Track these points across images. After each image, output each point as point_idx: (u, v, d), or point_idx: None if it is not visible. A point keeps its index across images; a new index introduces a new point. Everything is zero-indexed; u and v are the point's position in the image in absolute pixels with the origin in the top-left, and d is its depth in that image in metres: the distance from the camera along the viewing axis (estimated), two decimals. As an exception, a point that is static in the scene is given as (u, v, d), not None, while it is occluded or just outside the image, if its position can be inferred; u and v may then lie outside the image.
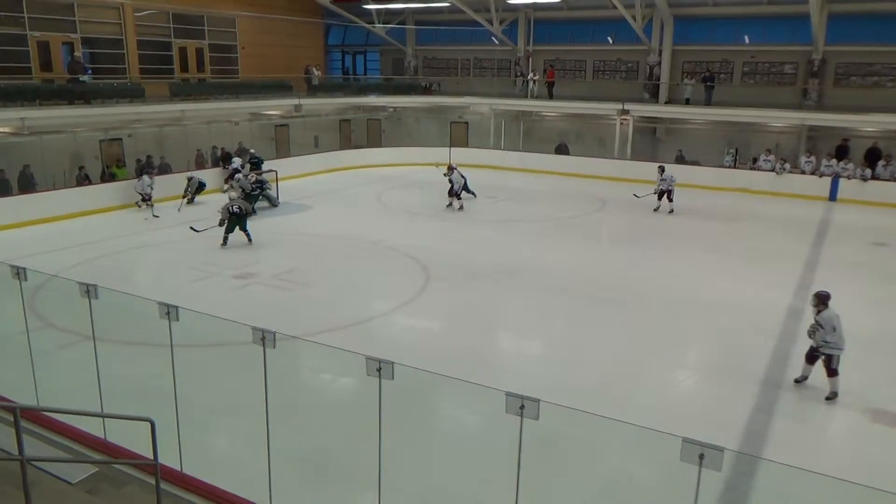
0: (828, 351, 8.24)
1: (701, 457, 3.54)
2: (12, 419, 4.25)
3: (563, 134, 28.13)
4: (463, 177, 19.63)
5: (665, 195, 18.94)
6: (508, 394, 4.04)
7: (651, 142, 27.36)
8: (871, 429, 7.81)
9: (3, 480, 4.80)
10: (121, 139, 21.13)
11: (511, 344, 10.66)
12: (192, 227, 15.31)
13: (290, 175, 21.68)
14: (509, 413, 4.05)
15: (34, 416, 6.51)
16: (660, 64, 27.40)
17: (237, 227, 14.83)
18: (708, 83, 25.20)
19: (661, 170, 19.31)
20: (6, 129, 18.43)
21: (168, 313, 5.59)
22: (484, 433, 7.49)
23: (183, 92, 23.97)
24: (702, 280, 13.18)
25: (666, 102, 26.89)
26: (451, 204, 19.18)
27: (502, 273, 13.31)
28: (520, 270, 13.50)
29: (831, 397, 8.22)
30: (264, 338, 4.98)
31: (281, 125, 26.83)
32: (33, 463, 4.69)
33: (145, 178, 18.29)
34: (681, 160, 25.00)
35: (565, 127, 28.62)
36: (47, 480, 5.00)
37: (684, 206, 19.86)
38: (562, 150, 27.33)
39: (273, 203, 19.13)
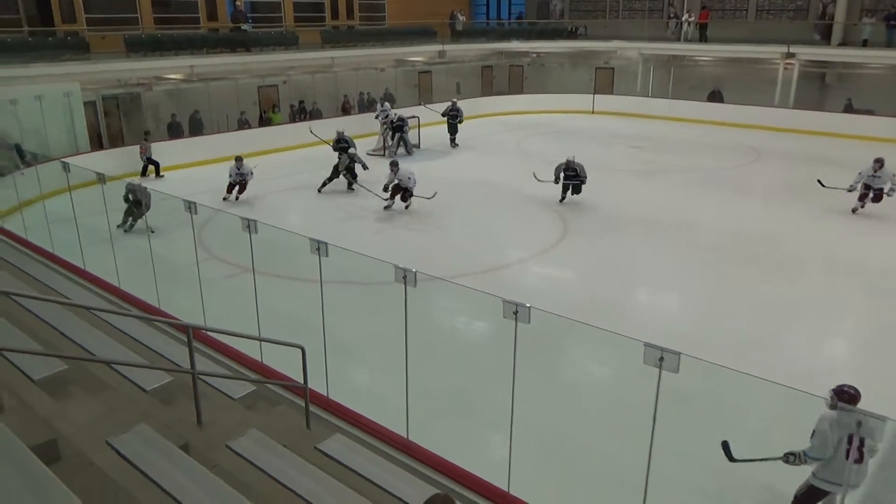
0: None
1: (859, 424, 3.32)
2: (186, 338, 4.74)
3: (718, 80, 26.26)
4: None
5: (871, 195, 13.47)
6: (647, 344, 3.96)
7: (818, 88, 24.90)
8: None
9: (178, 390, 5.40)
10: (276, 85, 22.31)
11: (650, 298, 10.35)
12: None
13: (431, 122, 21.97)
14: (647, 364, 3.97)
15: (203, 336, 7.23)
16: (834, 1, 24.67)
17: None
18: (891, 22, 22.40)
19: (880, 164, 13.38)
20: (178, 76, 20.01)
21: (318, 249, 5.93)
22: (620, 384, 7.42)
23: (333, 39, 24.77)
24: (862, 240, 12.07)
25: (839, 44, 24.24)
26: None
27: (644, 225, 12.88)
28: (663, 223, 12.98)
29: None
30: (405, 276, 5.17)
31: (424, 72, 27.12)
32: (202, 377, 5.23)
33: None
34: (849, 109, 22.69)
35: (720, 72, 26.66)
36: (213, 394, 5.56)
37: (850, 157, 18.08)
38: (715, 97, 25.60)
39: (409, 151, 19.49)
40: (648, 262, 11.31)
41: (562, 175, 14.00)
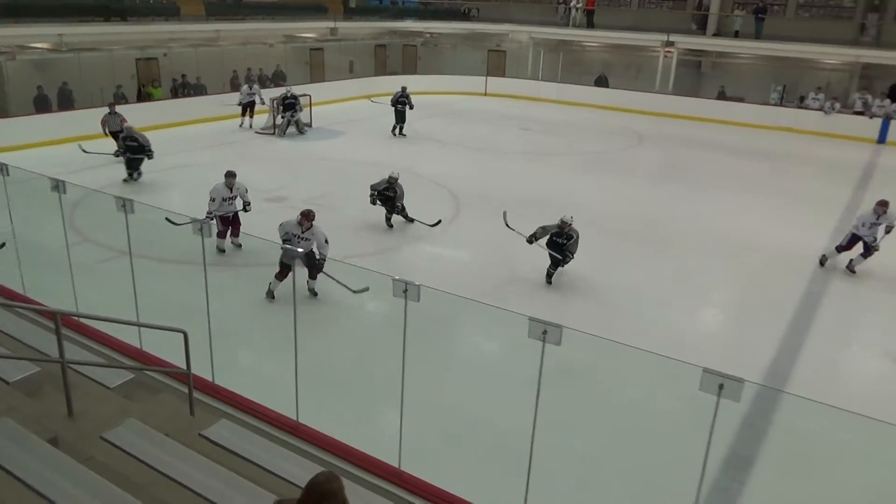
0: None
1: (720, 387, 3.56)
2: (54, 325, 4.43)
3: (604, 65, 27.29)
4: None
5: (864, 249, 10.39)
6: (531, 318, 4.08)
7: (695, 76, 26.41)
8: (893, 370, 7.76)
9: (46, 381, 5.05)
10: (156, 58, 21.10)
11: (537, 276, 10.66)
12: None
13: (323, 100, 21.51)
14: (531, 338, 4.09)
15: (74, 323, 6.78)
16: (710, -7, 26.18)
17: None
18: (759, 15, 24.05)
19: (884, 208, 10.28)
20: (44, 46, 18.51)
21: (202, 230, 5.69)
22: (506, 357, 7.62)
23: (218, 11, 23.68)
24: (737, 220, 12.94)
25: (714, 35, 25.78)
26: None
27: (533, 205, 13.20)
28: (550, 203, 13.34)
29: None
30: (294, 257, 5.06)
31: (316, 49, 26.48)
32: (73, 366, 4.91)
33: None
34: (722, 96, 24.23)
35: (606, 58, 27.72)
36: (86, 384, 5.23)
37: (723, 141, 19.36)
38: (601, 82, 26.59)
39: (300, 130, 19.01)
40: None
41: (546, 239, 9.76)
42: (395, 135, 19.22)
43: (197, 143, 17.30)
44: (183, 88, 20.80)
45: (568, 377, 6.36)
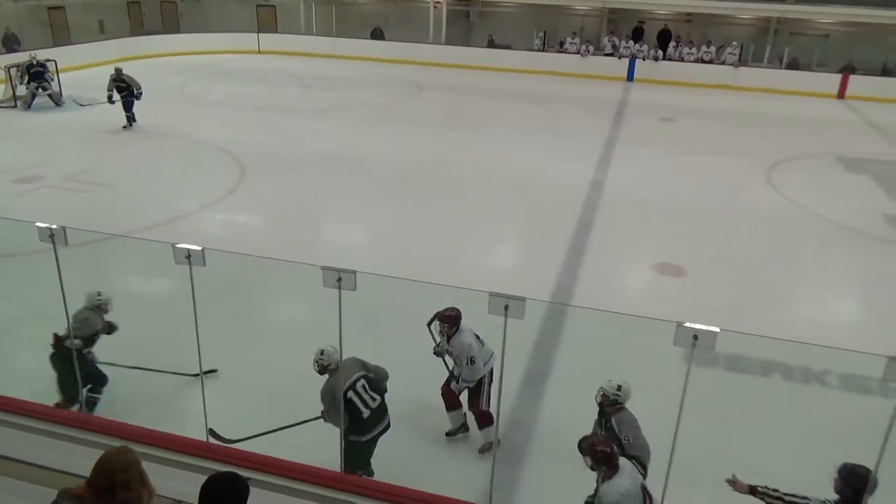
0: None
1: (506, 308, 3.82)
2: None
3: (379, 18, 27.27)
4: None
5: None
6: (324, 268, 4.04)
7: (465, 26, 27.35)
8: (658, 280, 8.88)
9: None
10: None
11: (334, 232, 10.62)
12: None
13: (72, 66, 19.17)
14: (327, 286, 4.07)
15: None
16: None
17: None
18: (516, -36, 25.34)
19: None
20: None
21: (-70, 217, 4.86)
22: (306, 309, 7.55)
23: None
24: (514, 159, 13.81)
25: (476, -15, 26.82)
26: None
27: (321, 163, 13.04)
28: (339, 159, 13.28)
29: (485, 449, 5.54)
30: (53, 235, 4.51)
31: (55, 7, 23.41)
32: None
33: None
34: (492, 44, 25.41)
35: (380, 10, 27.71)
36: None
37: (496, 87, 20.41)
38: (377, 34, 26.60)
39: (56, 101, 16.84)
40: (327, 197, 11.53)
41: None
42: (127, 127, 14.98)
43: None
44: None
45: (371, 322, 6.49)
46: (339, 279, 4.04)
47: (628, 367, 5.41)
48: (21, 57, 17.18)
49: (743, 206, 11.56)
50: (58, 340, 5.39)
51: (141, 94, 14.73)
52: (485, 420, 5.51)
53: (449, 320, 5.38)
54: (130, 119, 14.86)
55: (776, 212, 11.39)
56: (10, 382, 5.49)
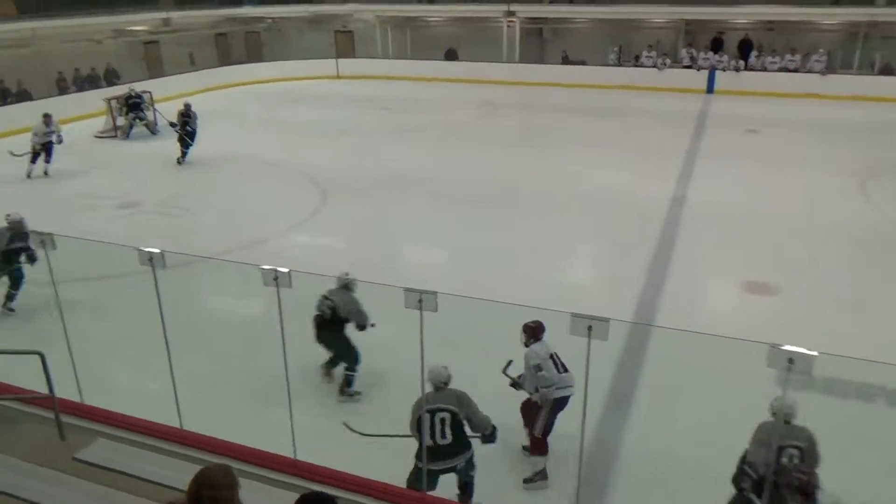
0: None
1: (589, 329, 3.78)
2: None
3: (452, 39, 27.65)
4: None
5: None
6: (406, 289, 4.12)
7: (539, 43, 27.38)
8: (746, 298, 8.55)
9: None
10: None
11: (410, 254, 10.76)
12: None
13: (165, 96, 20.30)
14: (409, 308, 4.14)
15: None
16: (543, -38, 27.15)
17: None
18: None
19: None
20: None
21: (42, 242, 5.24)
22: (390, 327, 7.66)
23: (31, 9, 21.58)
24: (592, 175, 13.65)
25: (550, 1, 26.81)
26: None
27: (398, 184, 13.28)
28: (415, 180, 13.49)
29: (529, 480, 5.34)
30: (152, 259, 4.78)
31: (150, 42, 24.88)
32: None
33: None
34: (566, 61, 25.31)
35: (454, 32, 28.09)
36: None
37: (571, 104, 20.24)
38: (451, 55, 26.96)
39: (152, 131, 17.85)
40: (403, 218, 11.73)
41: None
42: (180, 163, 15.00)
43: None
44: (3, 95, 18.90)
45: (449, 340, 6.52)
46: (420, 300, 4.10)
47: (721, 392, 5.24)
48: (120, 90, 18.32)
49: (835, 221, 11.03)
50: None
51: (195, 131, 14.84)
52: (535, 447, 5.34)
53: (527, 330, 5.36)
54: (183, 156, 14.81)
55: (871, 227, 10.81)
56: (106, 397, 5.81)
